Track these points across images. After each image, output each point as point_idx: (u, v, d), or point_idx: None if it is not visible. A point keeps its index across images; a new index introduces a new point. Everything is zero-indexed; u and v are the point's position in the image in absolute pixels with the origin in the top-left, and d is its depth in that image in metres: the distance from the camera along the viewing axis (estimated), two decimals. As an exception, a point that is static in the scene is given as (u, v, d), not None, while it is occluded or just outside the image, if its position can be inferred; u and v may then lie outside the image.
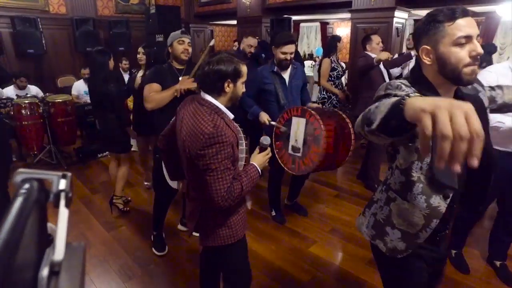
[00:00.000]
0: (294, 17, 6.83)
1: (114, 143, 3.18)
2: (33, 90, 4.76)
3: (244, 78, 1.43)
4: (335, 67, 4.00)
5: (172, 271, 2.44)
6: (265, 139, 1.56)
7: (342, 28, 10.19)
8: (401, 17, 4.86)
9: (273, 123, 2.44)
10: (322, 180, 3.88)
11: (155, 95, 2.28)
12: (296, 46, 3.04)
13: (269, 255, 2.57)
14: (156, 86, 2.34)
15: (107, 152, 4.52)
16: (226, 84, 1.37)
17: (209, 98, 1.39)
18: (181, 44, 2.33)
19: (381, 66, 3.35)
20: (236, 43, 5.44)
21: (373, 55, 3.31)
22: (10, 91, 4.53)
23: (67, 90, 5.32)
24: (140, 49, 3.35)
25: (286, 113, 2.37)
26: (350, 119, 2.31)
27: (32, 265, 0.30)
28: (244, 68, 1.42)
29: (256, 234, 2.82)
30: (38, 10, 6.16)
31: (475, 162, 0.59)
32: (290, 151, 2.32)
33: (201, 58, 2.41)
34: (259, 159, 1.52)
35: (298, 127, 2.24)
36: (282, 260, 2.51)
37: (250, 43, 3.79)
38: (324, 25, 10.64)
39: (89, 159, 4.63)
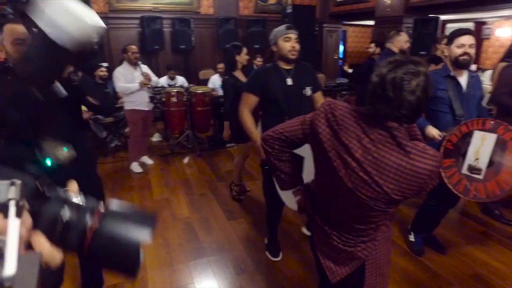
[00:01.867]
0: (442, 17, 5.99)
1: (233, 134, 3.28)
2: (180, 80, 5.47)
3: None
4: None
5: (284, 273, 2.41)
6: None
7: (504, 28, 8.49)
8: None
9: (444, 133, 2.04)
10: (466, 210, 3.26)
11: (247, 122, 2.25)
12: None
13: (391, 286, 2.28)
14: (252, 99, 2.23)
15: (233, 143, 4.84)
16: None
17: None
18: (287, 42, 2.10)
19: None
20: (372, 45, 5.07)
21: None
22: (163, 81, 5.30)
23: (206, 82, 5.92)
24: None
25: (464, 126, 1.98)
26: None
27: None
28: None
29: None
30: (192, 12, 7.02)
31: None
32: (465, 171, 1.93)
33: None
34: None
35: (482, 143, 1.85)
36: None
37: (407, 38, 3.50)
38: (479, 25, 9.05)
39: (218, 147, 5.05)
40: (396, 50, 3.54)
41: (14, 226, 0.29)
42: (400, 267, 2.43)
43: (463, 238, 2.82)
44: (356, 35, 10.57)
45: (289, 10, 7.02)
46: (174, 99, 4.69)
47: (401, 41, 3.53)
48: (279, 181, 1.45)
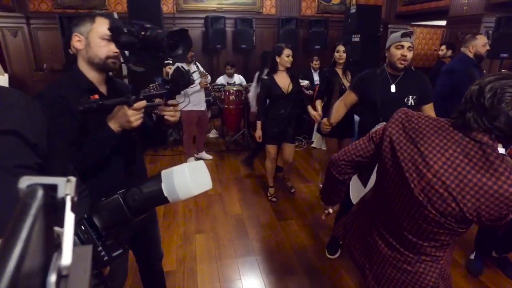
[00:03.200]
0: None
1: (263, 135, 3.35)
2: (238, 79, 5.57)
3: None
4: None
5: (333, 281, 2.34)
6: None
7: None
8: None
9: None
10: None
11: (334, 111, 2.38)
12: None
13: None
14: (351, 96, 2.35)
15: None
16: None
17: (502, 151, 0.99)
18: (399, 49, 2.06)
19: None
20: (443, 47, 4.69)
21: None
22: (221, 79, 5.45)
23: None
24: (341, 47, 3.24)
25: None
26: None
27: (39, 270, 0.29)
28: None
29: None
30: (254, 12, 7.12)
31: None
32: None
33: None
34: None
35: None
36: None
37: (485, 40, 3.22)
38: None
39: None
40: (471, 55, 3.24)
41: (70, 219, 0.31)
42: (459, 285, 2.22)
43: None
44: (423, 37, 9.86)
45: (353, 10, 6.78)
46: (232, 97, 4.80)
47: (478, 45, 3.22)
48: (326, 199, 1.52)
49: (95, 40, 1.23)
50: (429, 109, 2.20)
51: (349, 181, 1.35)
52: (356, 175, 2.04)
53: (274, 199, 3.48)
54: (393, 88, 2.15)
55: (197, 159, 4.51)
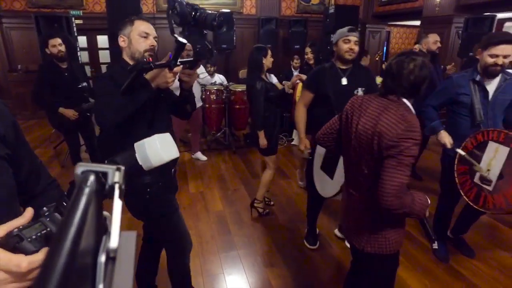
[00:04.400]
0: (499, 15, 5.60)
1: (255, 141, 3.02)
2: (219, 78, 5.60)
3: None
4: None
5: (312, 270, 2.43)
6: None
7: None
8: None
9: (458, 150, 2.03)
10: (509, 221, 3.07)
11: (299, 116, 2.44)
12: None
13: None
14: (308, 95, 2.40)
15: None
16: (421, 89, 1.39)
17: (405, 101, 1.41)
18: (346, 43, 2.21)
19: None
20: (417, 46, 4.87)
21: None
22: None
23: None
24: (307, 49, 3.31)
25: (481, 134, 1.94)
26: None
27: (91, 250, 0.32)
28: None
29: (409, 261, 2.48)
30: (235, 12, 7.17)
31: None
32: (476, 180, 1.90)
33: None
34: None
35: (495, 155, 1.81)
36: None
37: (436, 38, 3.61)
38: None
39: (254, 145, 5.11)
40: (424, 50, 3.71)
41: (118, 206, 0.34)
42: (430, 270, 2.35)
43: (504, 248, 2.69)
44: (400, 36, 10.18)
45: (331, 10, 6.93)
46: (213, 97, 4.84)
47: (429, 43, 3.75)
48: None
49: (135, 37, 1.55)
50: None
51: (332, 148, 1.76)
52: (320, 167, 2.16)
53: (268, 210, 3.23)
54: (344, 81, 2.29)
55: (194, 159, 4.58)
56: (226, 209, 3.32)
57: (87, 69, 7.17)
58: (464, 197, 1.98)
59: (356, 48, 2.22)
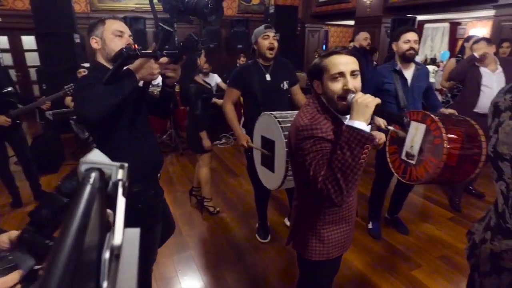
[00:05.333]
0: (419, 17, 6.22)
1: (189, 142, 3.13)
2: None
3: (329, 72, 1.25)
4: None
5: (265, 264, 2.50)
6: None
7: (478, 28, 8.82)
8: None
9: (390, 127, 2.26)
10: (435, 199, 3.45)
11: (229, 113, 2.41)
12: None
13: (365, 269, 2.41)
14: (235, 93, 2.41)
15: (217, 142, 4.93)
16: (315, 84, 1.31)
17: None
18: (266, 39, 2.28)
19: None
20: (351, 44, 5.23)
21: None
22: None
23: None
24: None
25: (404, 116, 2.18)
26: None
27: (95, 247, 0.32)
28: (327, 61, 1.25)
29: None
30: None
31: None
32: (403, 156, 2.13)
33: None
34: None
35: (416, 132, 2.04)
36: (380, 277, 2.33)
37: (366, 35, 4.00)
38: (454, 25, 9.39)
39: (189, 146, 5.09)
40: (357, 46, 4.17)
41: (121, 203, 0.34)
42: (370, 248, 2.57)
43: (431, 223, 3.02)
44: (337, 35, 10.79)
45: (271, 11, 7.14)
46: (157, 98, 4.72)
47: (360, 40, 4.16)
48: None
49: (109, 37, 1.48)
50: (297, 89, 2.56)
51: None
52: (260, 164, 2.26)
53: (218, 209, 3.24)
54: (268, 77, 2.36)
55: None
56: (176, 211, 3.27)
57: (12, 72, 6.57)
58: (395, 173, 2.21)
59: (276, 43, 2.29)
